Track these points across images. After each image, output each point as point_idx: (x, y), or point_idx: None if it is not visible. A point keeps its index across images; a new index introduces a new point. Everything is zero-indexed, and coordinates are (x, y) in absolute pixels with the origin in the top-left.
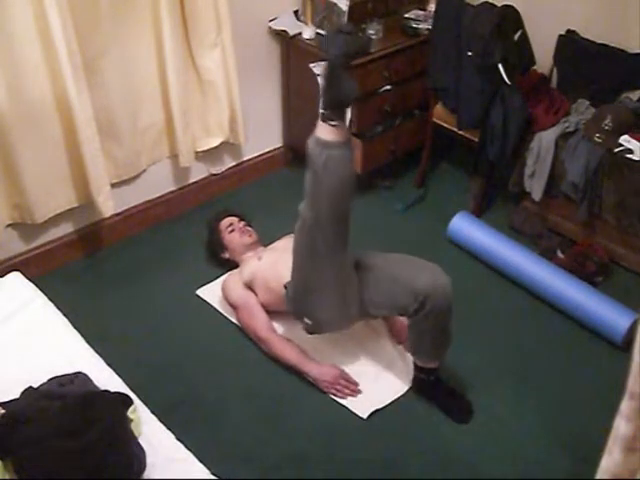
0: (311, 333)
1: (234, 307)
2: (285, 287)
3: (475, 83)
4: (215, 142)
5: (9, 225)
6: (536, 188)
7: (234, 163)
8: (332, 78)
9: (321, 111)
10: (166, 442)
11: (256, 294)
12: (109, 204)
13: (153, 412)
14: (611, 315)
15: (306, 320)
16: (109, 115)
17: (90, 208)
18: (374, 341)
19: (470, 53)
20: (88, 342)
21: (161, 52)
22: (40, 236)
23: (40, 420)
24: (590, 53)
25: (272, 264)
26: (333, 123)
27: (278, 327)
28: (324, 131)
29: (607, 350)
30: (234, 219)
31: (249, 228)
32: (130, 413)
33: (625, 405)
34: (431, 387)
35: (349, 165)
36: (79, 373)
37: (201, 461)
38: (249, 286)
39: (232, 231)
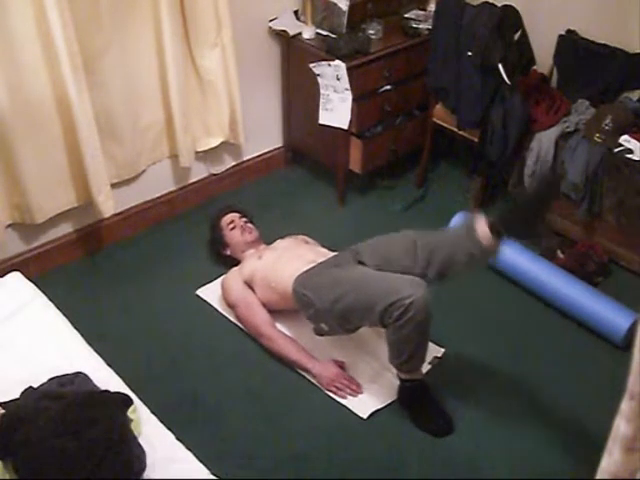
0: (321, 335)
1: (233, 305)
2: (304, 294)
3: (475, 83)
4: (215, 142)
5: (9, 225)
6: None
7: (234, 163)
8: (532, 213)
9: (498, 222)
10: (166, 442)
11: (255, 293)
12: (109, 204)
13: (153, 412)
14: (611, 315)
15: (322, 325)
16: (109, 115)
17: (90, 208)
18: (374, 341)
19: (470, 53)
20: (88, 342)
21: (161, 52)
22: (40, 236)
23: (40, 420)
24: (590, 53)
25: (273, 263)
26: (496, 239)
27: (277, 325)
28: (484, 231)
29: (607, 350)
30: (235, 216)
31: (250, 225)
32: (130, 413)
33: (625, 405)
34: (415, 397)
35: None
36: (79, 373)
37: (201, 461)
38: (248, 284)
39: (233, 228)
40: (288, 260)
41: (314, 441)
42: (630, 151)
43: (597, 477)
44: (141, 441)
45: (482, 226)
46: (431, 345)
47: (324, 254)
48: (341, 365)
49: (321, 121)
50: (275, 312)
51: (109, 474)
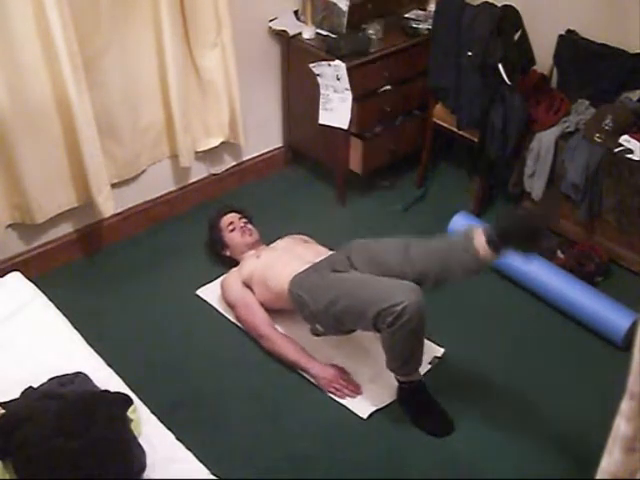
0: (317, 336)
1: (232, 305)
2: (300, 295)
3: (475, 83)
4: (215, 142)
5: (9, 225)
6: (536, 188)
7: (234, 163)
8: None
9: (496, 232)
10: (166, 442)
11: (254, 292)
12: (109, 204)
13: (153, 412)
14: (611, 315)
15: (318, 326)
16: (109, 115)
17: (90, 208)
18: (373, 341)
19: (470, 53)
20: (88, 342)
21: (161, 52)
22: (40, 236)
23: (40, 420)
24: (590, 53)
25: (271, 263)
26: (494, 252)
27: (276, 326)
28: (482, 243)
29: (607, 350)
30: (235, 217)
31: (250, 227)
32: (130, 413)
33: (625, 405)
34: (414, 397)
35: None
36: (79, 373)
37: (201, 461)
38: (247, 284)
39: (233, 230)
40: (287, 260)
41: (314, 441)
42: (630, 151)
43: (597, 477)
44: (141, 441)
45: (480, 238)
46: (431, 345)
47: (323, 254)
48: (340, 369)
49: (321, 121)
50: (274, 312)
51: (109, 474)
